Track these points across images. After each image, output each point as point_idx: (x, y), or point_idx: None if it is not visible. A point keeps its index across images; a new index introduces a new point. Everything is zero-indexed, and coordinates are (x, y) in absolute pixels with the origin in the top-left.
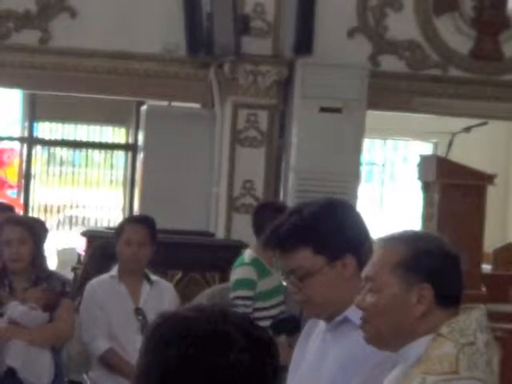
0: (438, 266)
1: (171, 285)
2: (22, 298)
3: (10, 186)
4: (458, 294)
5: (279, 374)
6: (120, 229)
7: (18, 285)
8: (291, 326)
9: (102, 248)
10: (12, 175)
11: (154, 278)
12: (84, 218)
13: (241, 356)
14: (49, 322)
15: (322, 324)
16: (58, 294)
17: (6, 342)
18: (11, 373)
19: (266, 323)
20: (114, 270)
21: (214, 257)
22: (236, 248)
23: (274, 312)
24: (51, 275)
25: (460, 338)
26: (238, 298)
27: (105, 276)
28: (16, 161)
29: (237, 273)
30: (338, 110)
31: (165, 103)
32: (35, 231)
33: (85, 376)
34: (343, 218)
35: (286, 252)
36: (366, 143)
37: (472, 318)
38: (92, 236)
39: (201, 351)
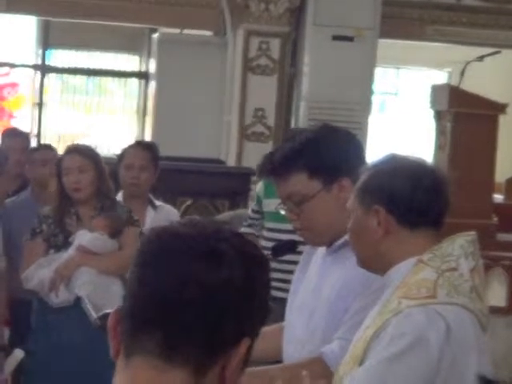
0: (391, 187)
1: (175, 210)
2: (89, 226)
3: (11, 116)
4: (427, 215)
5: (269, 291)
6: (121, 154)
7: (84, 213)
8: (288, 248)
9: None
10: (15, 106)
11: (158, 203)
12: (97, 146)
13: (233, 272)
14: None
15: (321, 249)
16: (125, 221)
17: (76, 270)
18: (92, 303)
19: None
20: (119, 196)
21: (224, 184)
22: (246, 175)
23: (283, 237)
24: (116, 203)
25: (441, 264)
26: (251, 209)
27: None
28: (21, 92)
29: None
30: (350, 39)
31: (177, 31)
32: (97, 159)
33: None
34: (338, 142)
35: (282, 178)
36: (379, 72)
37: (456, 245)
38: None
39: (192, 268)
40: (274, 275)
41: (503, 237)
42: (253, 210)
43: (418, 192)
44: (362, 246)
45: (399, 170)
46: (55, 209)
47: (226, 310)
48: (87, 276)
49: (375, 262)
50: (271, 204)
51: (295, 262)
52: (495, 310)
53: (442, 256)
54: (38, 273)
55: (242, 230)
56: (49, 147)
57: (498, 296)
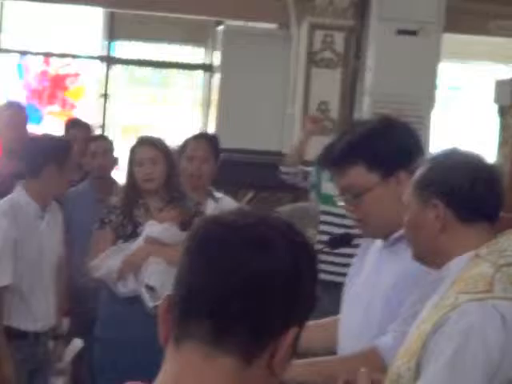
0: (451, 181)
1: (235, 202)
2: (158, 217)
3: (73, 106)
4: (483, 210)
5: (316, 280)
6: (183, 146)
7: (153, 205)
8: (345, 240)
9: None
10: (76, 96)
11: (218, 195)
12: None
13: (281, 260)
14: None
15: (378, 242)
16: (193, 214)
17: (145, 261)
18: (150, 291)
19: (332, 228)
20: None
21: None
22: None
23: (338, 221)
24: (185, 195)
25: (498, 259)
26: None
27: None
28: (83, 82)
29: None
30: (414, 33)
31: (242, 23)
32: (168, 151)
33: None
34: (397, 136)
35: (340, 170)
36: (443, 67)
37: None
38: None
39: (241, 256)
40: (331, 268)
41: None
42: (306, 172)
43: (477, 187)
44: (418, 240)
45: (458, 164)
46: (124, 199)
47: (274, 298)
48: (156, 267)
49: (431, 256)
50: (329, 188)
51: (351, 255)
52: None
53: (499, 251)
54: (107, 262)
55: None
56: (104, 138)
57: None
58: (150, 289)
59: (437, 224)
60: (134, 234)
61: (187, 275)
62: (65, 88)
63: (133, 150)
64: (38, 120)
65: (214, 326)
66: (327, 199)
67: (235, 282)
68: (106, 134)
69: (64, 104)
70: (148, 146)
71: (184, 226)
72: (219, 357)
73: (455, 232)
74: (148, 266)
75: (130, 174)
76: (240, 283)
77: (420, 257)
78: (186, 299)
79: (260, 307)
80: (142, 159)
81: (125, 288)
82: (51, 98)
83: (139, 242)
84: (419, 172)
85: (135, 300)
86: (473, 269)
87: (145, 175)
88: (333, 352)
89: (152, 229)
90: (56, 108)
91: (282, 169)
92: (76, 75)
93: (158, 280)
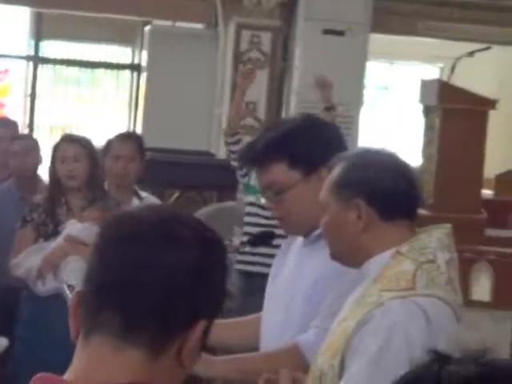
0: (368, 179)
1: (160, 201)
2: (80, 216)
3: (1, 105)
4: (405, 207)
5: (226, 274)
6: (107, 145)
7: (74, 203)
8: (266, 238)
9: None
10: (3, 94)
11: (143, 194)
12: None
13: (189, 254)
14: None
15: (299, 239)
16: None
17: (64, 260)
18: (70, 289)
19: (257, 220)
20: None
21: (212, 177)
22: (234, 168)
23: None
24: (106, 195)
25: (419, 256)
26: None
27: None
28: (10, 81)
29: None
30: (341, 33)
31: (169, 23)
32: (92, 150)
33: None
34: (319, 133)
35: (262, 167)
36: (370, 67)
37: (433, 237)
38: None
39: (149, 250)
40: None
41: (491, 232)
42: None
43: (398, 184)
44: (339, 240)
45: (376, 163)
46: (46, 198)
47: (182, 292)
48: (75, 265)
49: (352, 256)
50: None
51: (273, 256)
52: (480, 304)
53: (420, 248)
54: (27, 261)
55: None
56: (28, 136)
57: (482, 290)
58: (70, 287)
59: (359, 223)
60: (55, 233)
61: (97, 270)
62: None
63: (56, 147)
64: None
65: (123, 319)
66: (255, 190)
67: (144, 276)
68: (33, 133)
69: None
70: (71, 143)
71: None
72: (128, 349)
73: (377, 230)
74: (67, 264)
75: (53, 172)
76: (149, 278)
77: (339, 256)
78: (95, 294)
79: (169, 301)
80: (64, 156)
81: (44, 287)
82: None
83: (59, 240)
84: (336, 172)
85: (55, 298)
86: (395, 266)
87: (67, 172)
88: (252, 349)
89: (72, 228)
90: None
91: (228, 139)
92: (6, 71)
93: (77, 278)
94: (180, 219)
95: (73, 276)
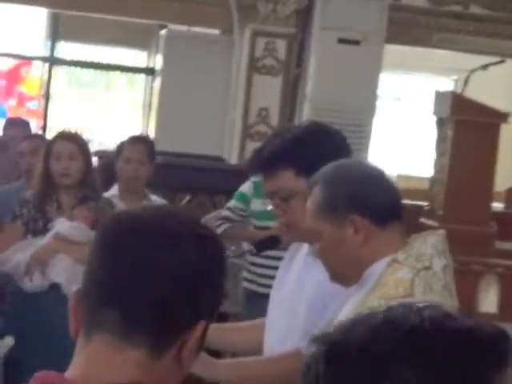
0: (354, 193)
1: (169, 204)
2: (70, 214)
3: (31, 98)
4: (393, 209)
5: (224, 273)
6: (120, 148)
7: (65, 201)
8: (272, 243)
9: (108, 166)
10: (31, 88)
11: (153, 197)
12: (102, 140)
13: (187, 253)
14: None
15: (305, 247)
16: (106, 214)
17: (52, 257)
18: (56, 287)
19: None
20: (115, 189)
21: (223, 181)
22: (245, 173)
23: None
24: (100, 195)
25: (416, 263)
26: (228, 208)
27: (106, 195)
28: (35, 75)
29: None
30: (356, 43)
31: (185, 28)
32: (86, 149)
33: None
34: (325, 141)
35: (269, 174)
36: (384, 77)
37: (428, 244)
38: (103, 156)
39: (148, 249)
40: (261, 271)
41: (501, 245)
42: (236, 208)
43: (383, 190)
44: (339, 259)
45: (353, 174)
46: (37, 194)
47: (182, 292)
48: (63, 264)
49: (354, 271)
50: (260, 203)
51: (281, 258)
52: (487, 316)
53: (417, 255)
54: (14, 256)
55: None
56: (37, 137)
57: (490, 302)
58: (57, 285)
59: (358, 237)
60: (44, 230)
61: (97, 269)
62: (21, 80)
63: (51, 144)
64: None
65: (124, 319)
66: (260, 215)
67: (144, 276)
68: (47, 134)
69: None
70: (67, 140)
71: (95, 225)
72: (128, 349)
73: (375, 239)
74: (55, 262)
75: (46, 168)
76: (149, 278)
77: (341, 276)
78: (95, 293)
79: (169, 301)
80: (60, 153)
81: (31, 283)
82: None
83: (48, 238)
84: (317, 197)
85: (41, 295)
86: (393, 274)
87: (62, 169)
88: (256, 354)
89: (62, 226)
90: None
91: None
92: (29, 63)
93: (64, 276)
94: (178, 218)
95: (60, 274)
